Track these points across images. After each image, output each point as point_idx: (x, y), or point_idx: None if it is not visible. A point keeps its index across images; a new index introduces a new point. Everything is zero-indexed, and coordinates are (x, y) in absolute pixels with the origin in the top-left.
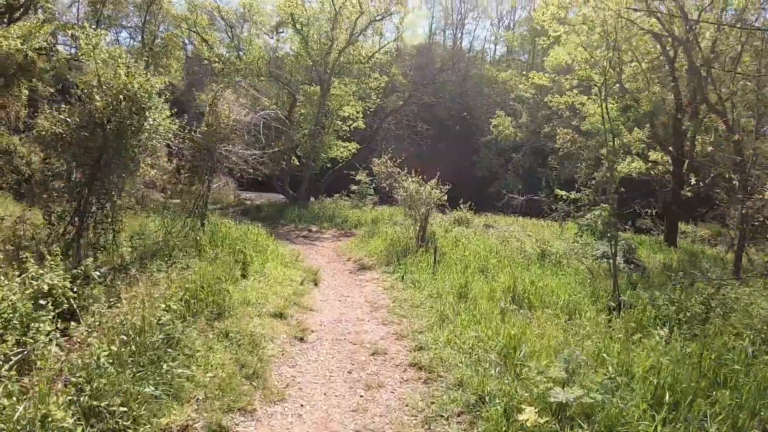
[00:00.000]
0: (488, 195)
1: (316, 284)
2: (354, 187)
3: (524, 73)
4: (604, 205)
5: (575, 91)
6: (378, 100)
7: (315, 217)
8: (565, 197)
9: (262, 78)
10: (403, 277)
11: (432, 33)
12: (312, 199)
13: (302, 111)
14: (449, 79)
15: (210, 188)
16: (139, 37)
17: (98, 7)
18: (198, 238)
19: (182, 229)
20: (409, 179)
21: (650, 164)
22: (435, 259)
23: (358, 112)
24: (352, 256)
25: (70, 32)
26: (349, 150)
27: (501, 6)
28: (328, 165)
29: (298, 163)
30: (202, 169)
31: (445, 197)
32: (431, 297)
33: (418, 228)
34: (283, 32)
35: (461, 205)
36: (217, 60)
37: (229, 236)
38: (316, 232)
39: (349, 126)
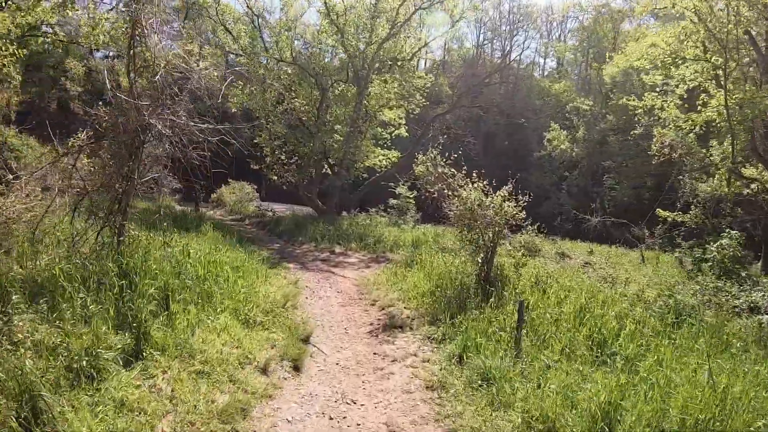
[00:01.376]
0: (539, 215)
1: (296, 368)
2: (393, 202)
3: (594, 62)
4: (732, 232)
5: (653, 93)
6: (423, 100)
7: (342, 235)
8: (670, 219)
9: (287, 70)
10: (461, 359)
11: (480, 44)
12: (344, 213)
13: (336, 111)
14: (497, 91)
15: (134, 182)
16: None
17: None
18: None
19: (95, 246)
20: (469, 185)
21: (744, 181)
22: (519, 324)
23: (400, 118)
24: (380, 296)
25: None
26: (389, 159)
27: (551, 15)
28: (364, 175)
29: (330, 172)
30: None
31: (523, 214)
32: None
33: (480, 260)
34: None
35: (527, 228)
36: (242, 53)
37: (164, 265)
38: (339, 255)
39: (390, 133)
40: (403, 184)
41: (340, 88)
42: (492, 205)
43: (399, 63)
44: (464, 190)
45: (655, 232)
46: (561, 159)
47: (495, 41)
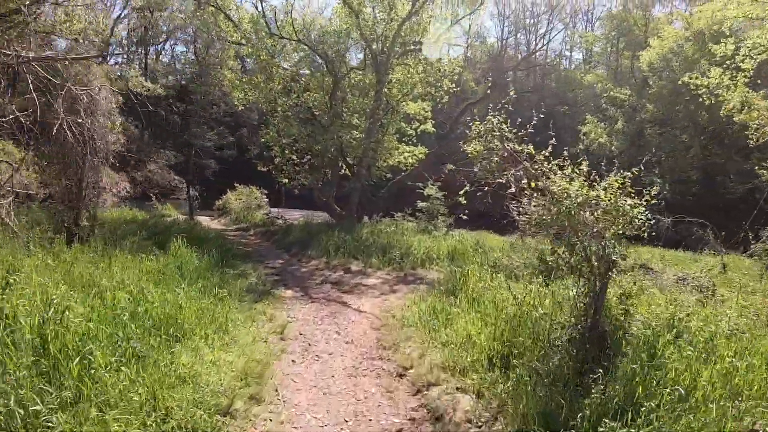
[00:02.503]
0: None
1: None
2: (421, 205)
3: (625, 51)
4: None
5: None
6: (453, 85)
7: (361, 246)
8: None
9: (294, 56)
10: None
11: (503, 38)
12: (365, 219)
13: (353, 102)
14: (525, 85)
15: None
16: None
17: (146, 15)
18: None
19: None
20: (560, 173)
21: None
22: None
23: (426, 111)
24: (413, 357)
25: None
26: (416, 156)
27: (577, 5)
28: (387, 175)
29: (348, 172)
30: None
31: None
32: None
33: (586, 292)
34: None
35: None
36: (244, 42)
37: None
38: (356, 274)
39: (414, 129)
40: (432, 184)
41: (357, 77)
42: (601, 203)
43: (422, 48)
44: (555, 178)
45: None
46: (599, 154)
47: (519, 35)
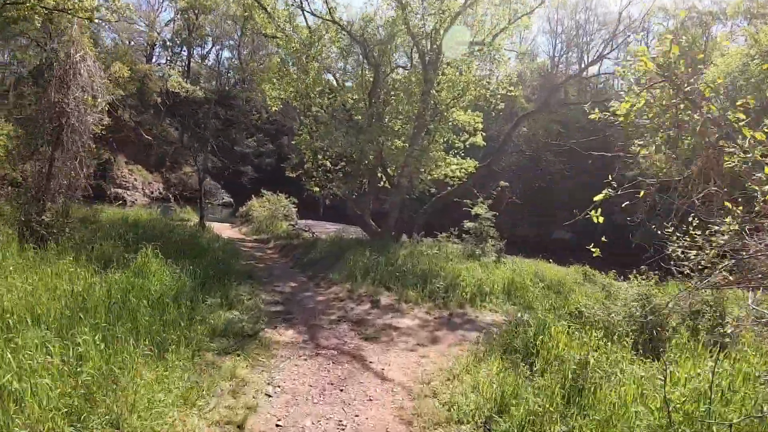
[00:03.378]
0: (629, 245)
1: None
2: (468, 224)
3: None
4: None
5: None
6: (512, 89)
7: (396, 271)
8: None
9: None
10: None
11: (555, 56)
12: (404, 237)
13: (395, 102)
14: (577, 102)
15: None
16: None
17: (190, 16)
18: None
19: None
20: None
21: None
22: None
23: (476, 121)
24: None
25: None
26: (464, 169)
27: (631, 23)
28: (431, 190)
29: (387, 184)
30: None
31: None
32: None
33: None
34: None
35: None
36: (278, 34)
37: None
38: (386, 309)
39: (463, 141)
40: (482, 202)
41: (401, 77)
42: None
43: (477, 48)
44: None
45: None
46: (657, 178)
47: (571, 54)
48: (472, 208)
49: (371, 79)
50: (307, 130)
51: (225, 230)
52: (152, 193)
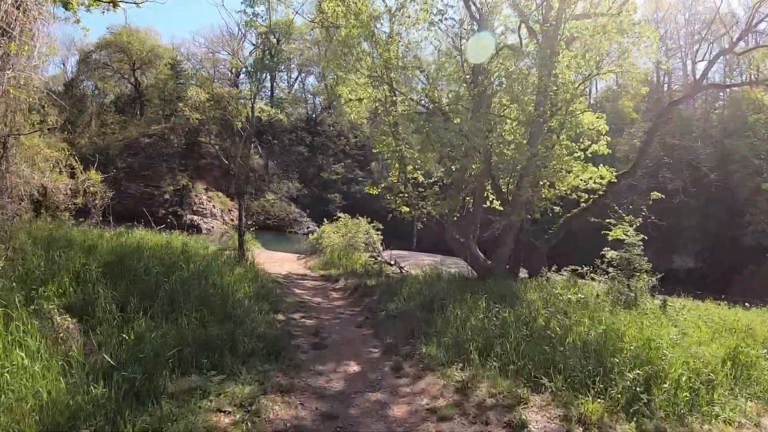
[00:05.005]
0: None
1: None
2: (610, 254)
3: None
4: None
5: None
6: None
7: (538, 341)
8: None
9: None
10: None
11: (658, 63)
12: (523, 273)
13: (504, 92)
14: (691, 113)
15: None
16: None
17: (271, 41)
18: None
19: None
20: None
21: None
22: None
23: (600, 125)
24: None
25: None
26: (602, 178)
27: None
28: (555, 208)
29: (497, 203)
30: None
31: None
32: None
33: None
34: None
35: None
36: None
37: None
38: None
39: (583, 150)
40: (628, 223)
41: (507, 63)
42: None
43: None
44: None
45: None
46: None
47: (673, 60)
48: (611, 232)
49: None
50: (391, 129)
51: (286, 263)
52: (233, 220)
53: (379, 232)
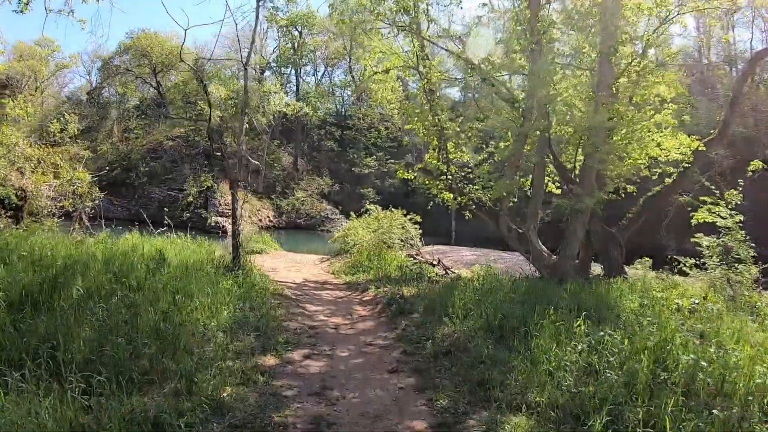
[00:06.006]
0: None
1: None
2: (706, 242)
3: None
4: None
5: None
6: None
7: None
8: None
9: None
10: None
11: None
12: (594, 271)
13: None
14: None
15: None
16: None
17: (293, 34)
18: None
19: None
20: None
21: None
22: None
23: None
24: None
25: None
26: (685, 149)
27: None
28: (628, 188)
29: (559, 183)
30: None
31: None
32: None
33: None
34: None
35: None
36: None
37: None
38: None
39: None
40: (723, 203)
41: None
42: None
43: None
44: None
45: None
46: None
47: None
48: (696, 214)
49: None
50: (426, 98)
51: (305, 267)
52: (260, 220)
53: (417, 226)
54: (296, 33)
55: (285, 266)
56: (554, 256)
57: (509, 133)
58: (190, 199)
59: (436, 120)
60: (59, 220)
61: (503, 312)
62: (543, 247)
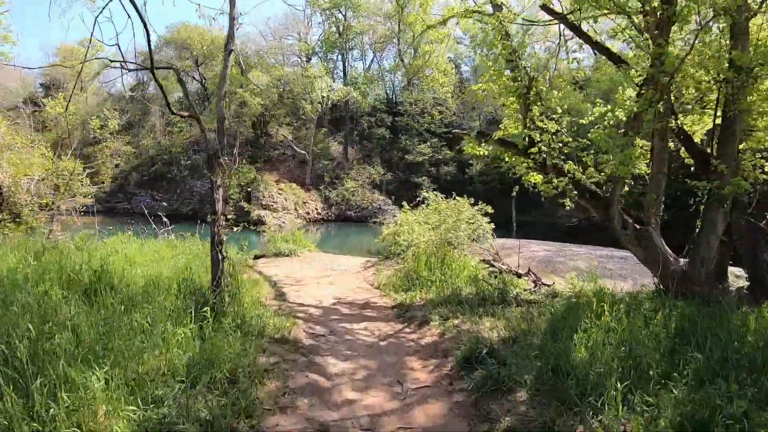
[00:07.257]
0: None
1: None
2: None
3: None
4: None
5: None
6: None
7: None
8: None
9: None
10: None
11: None
12: (726, 282)
13: None
14: None
15: None
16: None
17: (337, 17)
18: None
19: None
20: None
21: None
22: None
23: None
24: None
25: None
26: None
27: None
28: (764, 175)
29: (693, 161)
30: None
31: None
32: None
33: None
34: None
35: None
36: None
37: None
38: None
39: None
40: None
41: None
42: None
43: None
44: None
45: None
46: None
47: None
48: None
49: None
50: (501, 42)
51: (341, 277)
52: (308, 213)
53: (487, 218)
54: (340, 16)
55: (315, 275)
56: (681, 260)
57: (621, 89)
58: (231, 192)
59: (519, 75)
60: (76, 217)
61: (707, 398)
62: (667, 247)
